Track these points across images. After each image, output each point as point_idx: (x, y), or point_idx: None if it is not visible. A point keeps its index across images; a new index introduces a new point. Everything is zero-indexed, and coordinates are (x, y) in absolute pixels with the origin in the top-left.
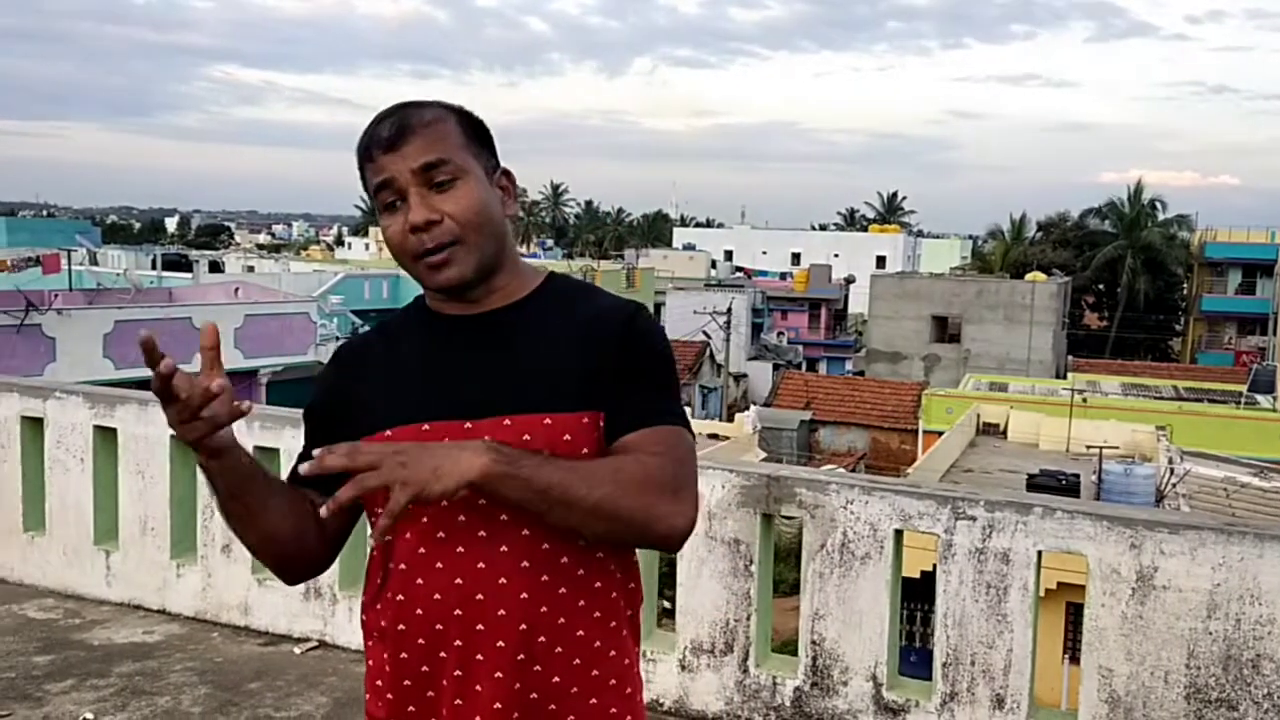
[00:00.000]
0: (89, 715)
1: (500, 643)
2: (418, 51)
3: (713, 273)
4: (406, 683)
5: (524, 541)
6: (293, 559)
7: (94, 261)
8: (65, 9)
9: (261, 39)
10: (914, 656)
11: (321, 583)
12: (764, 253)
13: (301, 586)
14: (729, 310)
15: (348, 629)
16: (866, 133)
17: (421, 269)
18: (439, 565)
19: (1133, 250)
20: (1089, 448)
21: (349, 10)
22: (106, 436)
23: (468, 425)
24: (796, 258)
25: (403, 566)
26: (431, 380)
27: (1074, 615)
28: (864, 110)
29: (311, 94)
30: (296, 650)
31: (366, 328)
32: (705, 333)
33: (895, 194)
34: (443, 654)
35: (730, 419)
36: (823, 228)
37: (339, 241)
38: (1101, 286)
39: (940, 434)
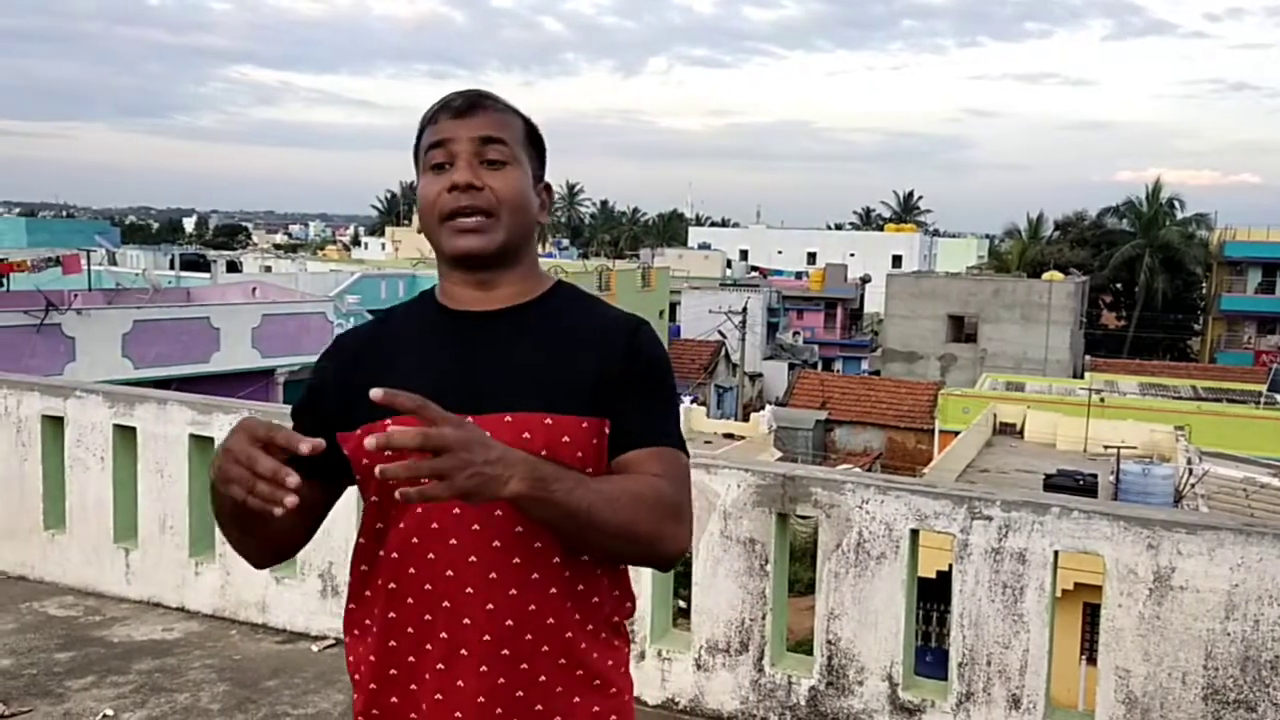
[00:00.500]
0: (109, 712)
1: (486, 637)
2: (434, 52)
3: (728, 272)
4: (392, 672)
5: (516, 538)
6: (274, 555)
7: (113, 261)
8: (83, 10)
9: (278, 40)
10: (930, 657)
11: (339, 581)
12: (779, 252)
13: (319, 585)
14: (744, 310)
15: None
16: (882, 132)
17: (447, 232)
18: (431, 556)
19: (1151, 249)
20: (1106, 448)
21: (365, 11)
22: (126, 435)
23: (469, 420)
24: (812, 257)
25: (395, 555)
26: (435, 372)
27: (1091, 616)
28: (880, 109)
29: (328, 94)
30: (314, 648)
31: None
32: (721, 332)
33: (911, 193)
34: (429, 646)
35: (746, 418)
36: (838, 227)
37: (355, 241)
38: (1119, 286)
39: (956, 434)
